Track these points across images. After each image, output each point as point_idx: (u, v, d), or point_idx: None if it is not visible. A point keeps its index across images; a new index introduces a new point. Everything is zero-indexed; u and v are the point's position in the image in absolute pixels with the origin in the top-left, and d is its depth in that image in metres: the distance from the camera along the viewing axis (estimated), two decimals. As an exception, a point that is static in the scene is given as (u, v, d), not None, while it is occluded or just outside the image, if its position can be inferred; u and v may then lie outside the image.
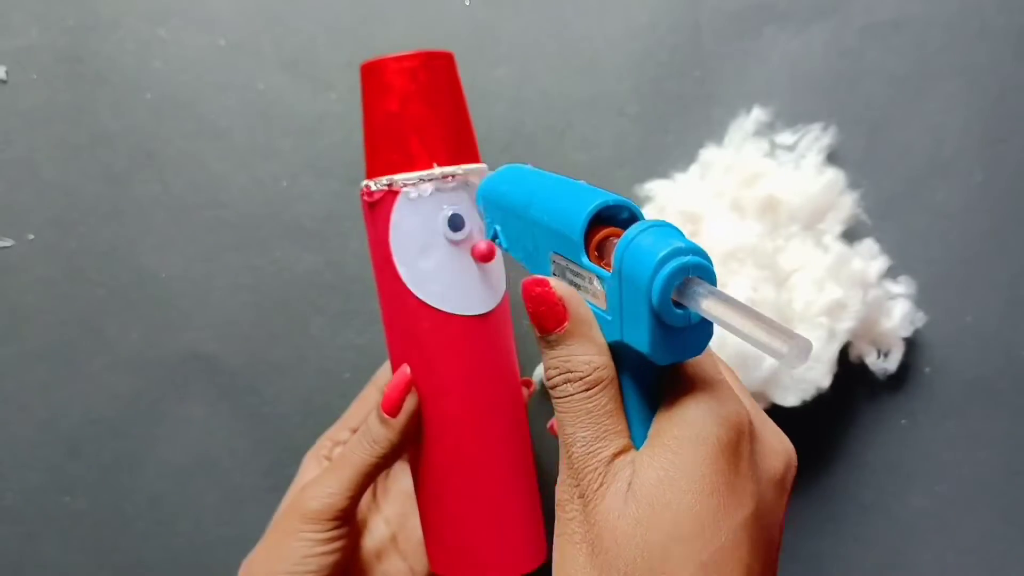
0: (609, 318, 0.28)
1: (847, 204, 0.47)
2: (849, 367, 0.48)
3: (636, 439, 0.28)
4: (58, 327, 0.49)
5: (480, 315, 0.37)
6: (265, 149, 0.49)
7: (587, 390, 0.28)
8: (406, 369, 0.38)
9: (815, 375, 0.44)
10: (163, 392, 0.49)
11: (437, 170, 0.36)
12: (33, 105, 0.48)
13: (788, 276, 0.45)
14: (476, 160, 0.39)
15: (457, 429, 0.38)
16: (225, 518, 0.49)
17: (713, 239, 0.45)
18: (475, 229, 0.37)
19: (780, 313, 0.44)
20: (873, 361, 0.48)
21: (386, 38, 0.49)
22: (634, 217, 0.29)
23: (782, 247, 0.46)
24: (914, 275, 0.48)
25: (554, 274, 0.30)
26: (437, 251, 0.37)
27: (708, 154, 0.48)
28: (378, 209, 0.37)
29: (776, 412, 0.45)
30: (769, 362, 0.43)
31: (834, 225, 0.47)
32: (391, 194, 0.36)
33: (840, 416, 0.49)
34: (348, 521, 0.39)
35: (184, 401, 0.49)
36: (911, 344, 0.48)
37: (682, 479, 0.25)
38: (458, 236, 0.37)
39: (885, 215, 0.49)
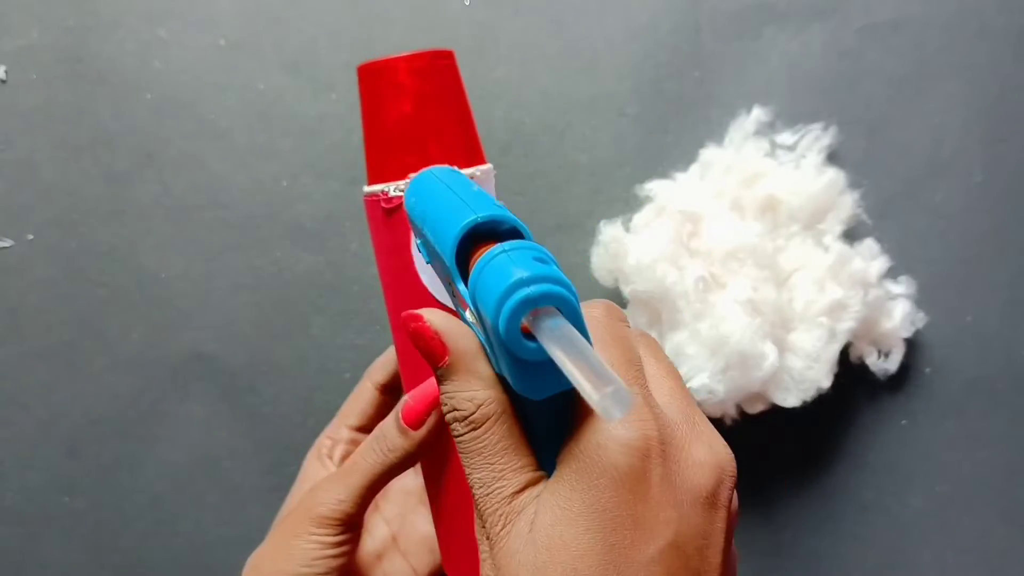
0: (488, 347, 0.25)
1: (847, 204, 0.47)
2: (849, 367, 0.48)
3: (548, 469, 0.26)
4: (58, 327, 0.49)
5: None
6: (265, 149, 0.49)
7: (474, 429, 0.26)
8: (433, 383, 0.36)
9: (815, 375, 0.44)
10: (163, 392, 0.49)
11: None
12: (33, 105, 0.48)
13: (788, 276, 0.45)
14: (482, 161, 0.38)
15: None
16: (225, 518, 0.49)
17: (713, 239, 0.45)
18: None
19: (780, 313, 0.44)
20: (873, 361, 0.48)
21: (386, 39, 0.49)
22: (517, 232, 0.26)
23: (782, 247, 0.46)
24: (914, 275, 0.48)
25: (452, 299, 0.28)
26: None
27: (708, 154, 0.48)
28: (398, 215, 0.35)
29: (777, 412, 0.45)
30: (769, 362, 0.43)
31: (834, 225, 0.47)
32: (399, 200, 0.35)
33: (840, 416, 0.49)
34: (357, 525, 0.39)
35: (184, 401, 0.49)
36: (911, 344, 0.49)
37: (581, 517, 0.23)
38: None
39: (885, 215, 0.49)
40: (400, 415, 0.37)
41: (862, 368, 0.48)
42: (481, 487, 0.26)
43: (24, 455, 0.49)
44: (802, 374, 0.44)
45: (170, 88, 0.48)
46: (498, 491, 0.25)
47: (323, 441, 0.44)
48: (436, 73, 0.35)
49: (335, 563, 0.37)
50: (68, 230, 0.48)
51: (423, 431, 0.36)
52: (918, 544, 0.50)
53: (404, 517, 0.44)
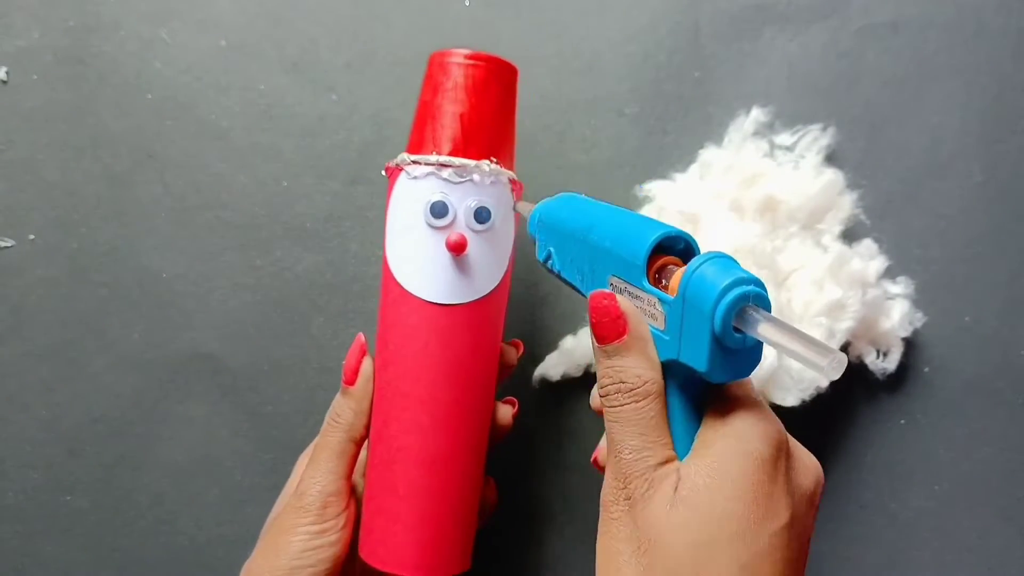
0: (667, 338, 0.30)
1: (846, 204, 0.47)
2: (848, 367, 0.48)
3: (679, 451, 0.30)
4: (59, 327, 0.49)
5: (446, 305, 0.38)
6: (266, 150, 0.49)
7: (637, 401, 0.30)
8: (361, 337, 0.41)
9: (814, 375, 0.44)
10: (164, 392, 0.49)
11: (434, 157, 0.38)
12: (34, 106, 0.48)
13: (787, 276, 0.46)
14: (509, 167, 0.40)
15: (405, 411, 0.38)
16: (226, 517, 0.49)
17: (712, 239, 0.45)
18: (462, 221, 0.38)
19: (779, 312, 0.44)
20: (872, 361, 0.48)
21: (387, 39, 0.49)
22: (689, 247, 0.32)
23: (781, 247, 0.46)
24: (912, 275, 0.48)
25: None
26: (416, 232, 0.38)
27: (707, 154, 0.48)
28: (389, 184, 0.40)
29: (775, 412, 0.45)
30: (768, 362, 0.43)
31: (833, 225, 0.47)
32: (397, 170, 0.39)
33: (839, 416, 0.50)
34: (341, 508, 0.39)
35: (185, 401, 0.49)
36: (910, 344, 0.49)
37: (726, 487, 0.28)
38: (438, 223, 0.38)
39: (884, 215, 0.49)
40: (342, 380, 0.40)
41: (861, 368, 0.48)
42: (631, 452, 0.29)
43: (25, 454, 0.49)
44: (801, 374, 0.44)
45: (171, 88, 0.48)
46: (646, 457, 0.29)
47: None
48: (467, 71, 0.39)
49: (327, 552, 0.38)
50: (69, 230, 0.49)
51: (360, 384, 0.39)
52: (917, 543, 0.50)
53: None
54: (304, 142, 0.49)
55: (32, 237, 0.49)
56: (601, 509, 0.30)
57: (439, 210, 0.38)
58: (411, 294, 0.38)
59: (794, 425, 0.49)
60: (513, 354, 0.43)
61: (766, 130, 0.48)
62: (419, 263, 0.38)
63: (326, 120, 0.49)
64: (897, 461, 0.50)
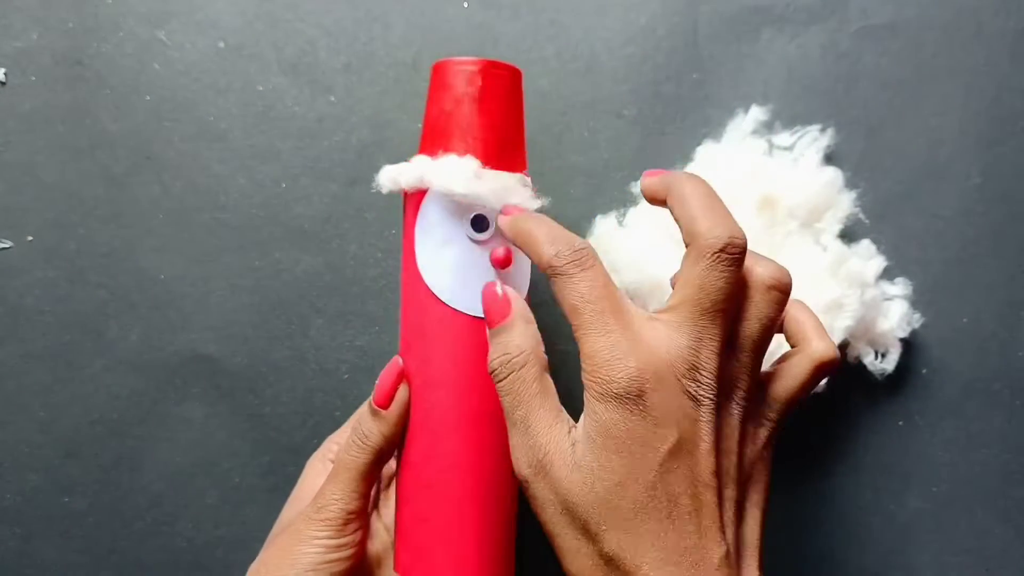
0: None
1: (845, 203, 0.48)
2: (847, 367, 0.48)
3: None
4: (58, 328, 0.49)
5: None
6: (264, 151, 0.49)
7: (520, 368, 0.33)
8: (398, 360, 0.39)
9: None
10: (163, 393, 0.49)
11: (473, 166, 0.37)
12: (32, 107, 0.48)
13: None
14: (520, 170, 0.39)
15: (445, 429, 0.38)
16: (225, 519, 0.49)
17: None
18: (499, 233, 0.37)
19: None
20: (871, 362, 0.48)
21: (385, 41, 0.49)
22: None
23: (779, 244, 0.46)
24: (911, 276, 0.48)
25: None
26: (456, 246, 0.37)
27: (704, 151, 0.48)
28: (412, 195, 0.38)
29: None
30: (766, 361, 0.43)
31: (832, 224, 0.47)
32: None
33: (837, 417, 0.50)
34: (359, 525, 0.39)
35: (184, 402, 0.49)
36: (908, 345, 0.49)
37: (602, 440, 0.30)
38: (480, 236, 0.37)
39: (882, 217, 0.49)
40: (371, 399, 0.38)
41: (859, 368, 0.48)
42: (527, 425, 0.32)
43: (23, 456, 0.49)
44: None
45: (169, 90, 0.48)
46: (542, 430, 0.32)
47: (329, 446, 0.44)
48: (485, 80, 0.37)
49: (339, 567, 0.37)
50: (67, 231, 0.49)
51: (394, 409, 0.38)
52: (916, 545, 0.50)
53: None
54: (303, 143, 0.49)
55: (30, 238, 0.49)
56: (521, 480, 0.33)
57: (482, 224, 0.37)
58: (456, 310, 0.37)
59: (792, 425, 0.49)
60: None
61: (765, 130, 0.48)
62: (462, 278, 0.37)
63: (325, 121, 0.49)
64: (895, 462, 0.50)
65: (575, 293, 0.32)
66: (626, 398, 0.30)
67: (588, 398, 0.31)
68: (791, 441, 0.49)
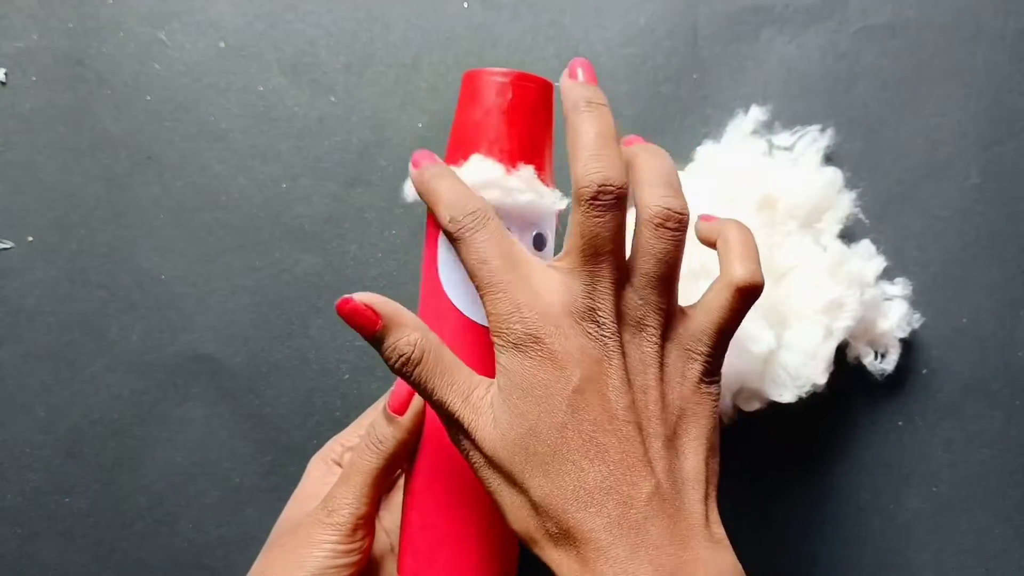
0: None
1: (845, 203, 0.48)
2: (846, 368, 0.48)
3: None
4: (58, 329, 0.49)
5: None
6: (265, 151, 0.49)
7: (419, 362, 0.32)
8: None
9: (811, 371, 0.44)
10: (163, 393, 0.49)
11: (528, 174, 0.36)
12: (33, 107, 0.48)
13: (785, 274, 0.46)
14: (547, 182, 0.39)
15: None
16: (225, 519, 0.49)
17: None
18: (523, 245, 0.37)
19: (777, 310, 0.44)
20: (870, 362, 0.48)
21: (385, 40, 0.49)
22: None
23: (779, 244, 0.46)
24: (910, 276, 0.48)
25: None
26: None
27: (704, 151, 0.48)
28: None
29: (773, 412, 0.46)
30: (765, 343, 0.43)
31: (832, 224, 0.47)
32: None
33: (837, 417, 0.50)
34: (367, 531, 0.38)
35: (184, 402, 0.49)
36: (908, 345, 0.49)
37: (511, 389, 0.31)
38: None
39: (882, 217, 0.49)
40: (386, 404, 0.38)
41: (859, 369, 0.48)
42: (452, 399, 0.32)
43: (24, 456, 0.49)
44: (798, 370, 0.44)
45: (170, 90, 0.49)
46: (460, 396, 0.32)
47: (333, 447, 0.44)
48: (517, 92, 0.37)
49: (345, 573, 0.37)
50: (68, 232, 0.49)
51: (409, 415, 0.38)
52: (915, 545, 0.50)
53: None
54: (303, 144, 0.49)
55: (31, 239, 0.49)
56: (455, 445, 0.33)
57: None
58: (474, 322, 0.37)
59: (791, 426, 0.49)
60: None
61: (765, 130, 0.48)
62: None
63: (325, 122, 0.49)
64: (895, 462, 0.50)
65: (473, 255, 0.32)
66: (525, 346, 0.31)
67: (496, 352, 0.32)
68: (791, 441, 0.49)
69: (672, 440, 0.32)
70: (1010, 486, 0.50)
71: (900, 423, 0.50)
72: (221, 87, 0.49)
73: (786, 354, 0.44)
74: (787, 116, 0.49)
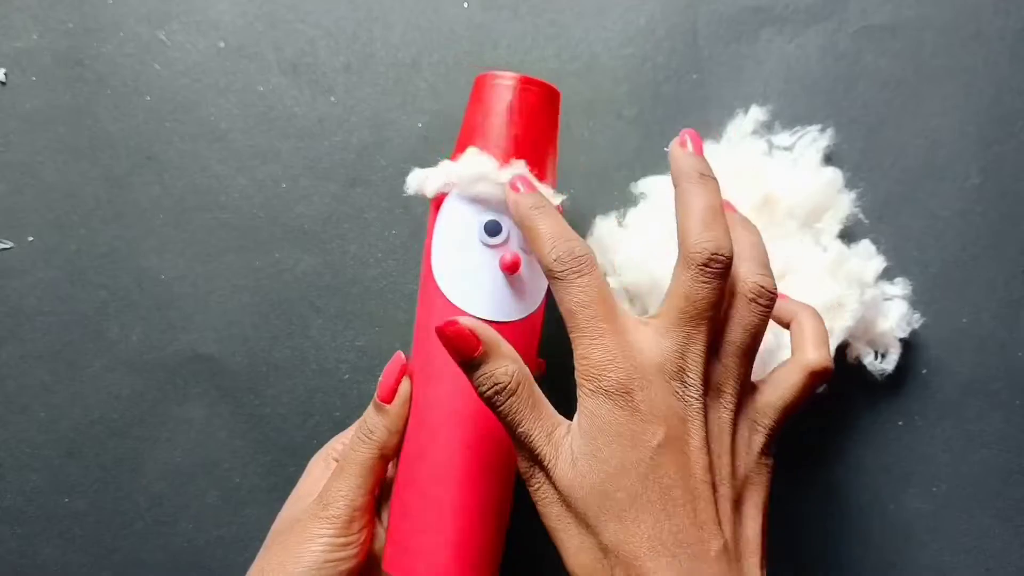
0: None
1: (845, 203, 0.48)
2: (846, 368, 0.48)
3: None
4: (58, 329, 0.49)
5: (500, 322, 0.38)
6: (265, 151, 0.49)
7: (514, 393, 0.33)
8: (401, 356, 0.40)
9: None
10: (163, 393, 0.49)
11: (505, 173, 0.38)
12: (33, 107, 0.48)
13: (785, 273, 0.46)
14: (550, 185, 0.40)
15: (446, 430, 0.38)
16: (225, 519, 0.49)
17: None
18: (512, 239, 0.38)
19: (776, 309, 0.44)
20: (870, 362, 0.48)
21: (385, 41, 0.49)
22: None
23: (779, 244, 0.46)
24: (910, 276, 0.48)
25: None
26: (469, 250, 0.38)
27: (705, 152, 0.48)
28: (436, 200, 0.39)
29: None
30: (765, 358, 0.43)
31: (832, 224, 0.47)
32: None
33: (837, 417, 0.50)
34: (364, 523, 0.39)
35: (184, 402, 0.49)
36: (908, 345, 0.49)
37: (598, 433, 0.32)
38: (493, 241, 0.38)
39: (881, 217, 0.49)
40: (375, 395, 0.39)
41: (859, 369, 0.48)
42: (528, 435, 0.33)
43: (23, 456, 0.49)
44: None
45: (170, 90, 0.49)
46: (541, 435, 0.33)
47: (334, 445, 0.44)
48: (524, 95, 0.39)
49: (345, 566, 0.37)
50: (68, 232, 0.49)
51: (397, 403, 0.39)
52: (915, 545, 0.50)
53: None
54: (303, 144, 0.49)
55: (31, 239, 0.49)
56: (525, 480, 0.34)
57: (494, 228, 0.38)
58: (463, 311, 0.38)
59: (791, 426, 0.49)
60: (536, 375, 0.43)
61: (765, 130, 0.48)
62: (472, 281, 0.38)
63: (325, 122, 0.49)
64: (895, 462, 0.50)
65: (571, 298, 0.33)
66: (616, 395, 0.31)
67: (581, 395, 0.33)
68: (791, 441, 0.49)
69: (738, 504, 0.34)
70: (1010, 486, 0.50)
71: (900, 423, 0.50)
72: (221, 87, 0.49)
73: (786, 354, 0.44)
74: (787, 116, 0.49)
